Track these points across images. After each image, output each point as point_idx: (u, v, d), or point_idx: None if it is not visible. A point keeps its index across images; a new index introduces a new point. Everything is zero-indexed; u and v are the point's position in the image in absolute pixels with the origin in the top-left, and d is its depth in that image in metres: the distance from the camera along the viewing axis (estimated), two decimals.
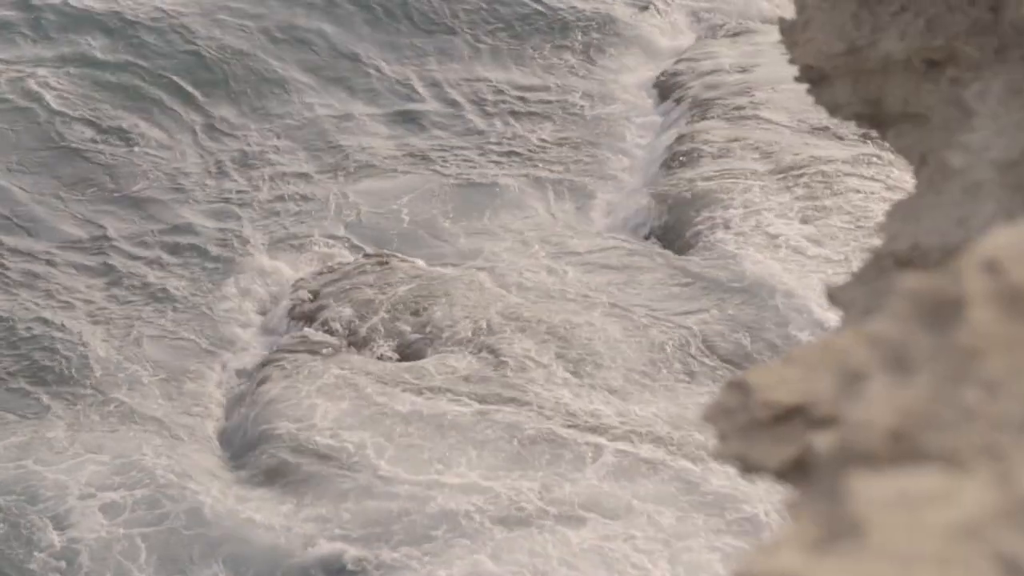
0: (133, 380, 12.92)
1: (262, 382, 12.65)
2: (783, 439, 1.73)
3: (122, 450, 12.05)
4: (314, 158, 16.66)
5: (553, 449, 11.79)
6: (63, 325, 13.46)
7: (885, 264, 2.75)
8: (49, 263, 14.38)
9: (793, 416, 1.71)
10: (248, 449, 11.99)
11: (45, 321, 13.51)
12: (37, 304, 13.74)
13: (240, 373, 13.12)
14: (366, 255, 14.75)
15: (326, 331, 13.41)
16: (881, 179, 15.65)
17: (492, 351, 13.00)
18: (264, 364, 13.01)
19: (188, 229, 15.21)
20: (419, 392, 12.40)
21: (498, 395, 12.40)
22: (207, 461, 12.01)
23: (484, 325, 13.43)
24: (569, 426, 12.02)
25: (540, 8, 19.34)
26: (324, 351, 13.00)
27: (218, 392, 12.94)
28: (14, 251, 14.50)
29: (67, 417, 12.44)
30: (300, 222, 15.45)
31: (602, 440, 11.88)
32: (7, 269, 14.20)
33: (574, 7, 19.45)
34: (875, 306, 2.89)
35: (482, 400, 12.32)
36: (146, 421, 12.45)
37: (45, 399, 12.63)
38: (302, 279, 14.31)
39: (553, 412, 12.18)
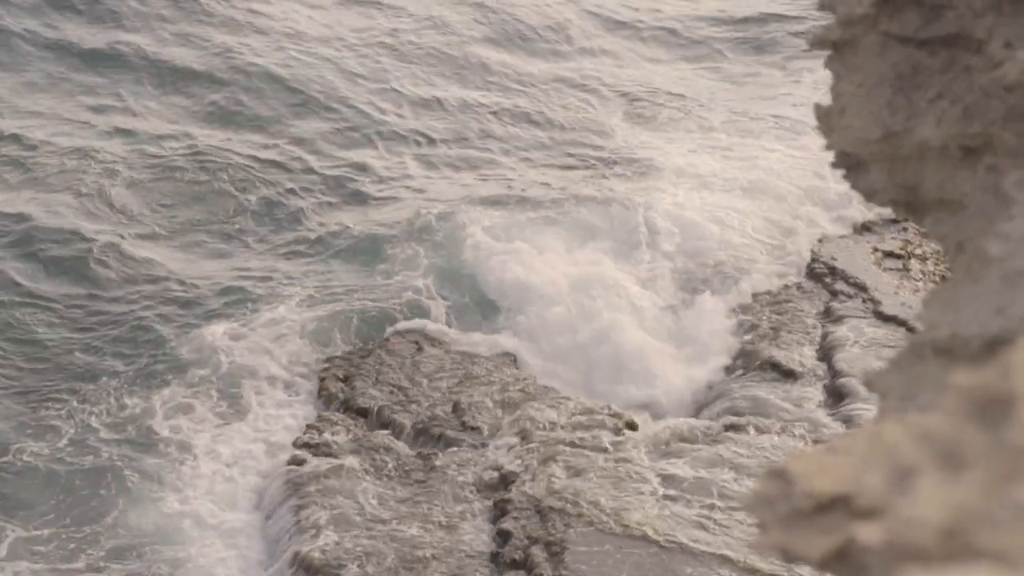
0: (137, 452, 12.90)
1: (301, 507, 12.07)
2: (825, 529, 1.71)
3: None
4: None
5: None
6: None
7: (923, 352, 2.74)
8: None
9: (835, 506, 1.70)
10: None
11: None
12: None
13: (269, 452, 12.97)
14: (397, 333, 14.75)
15: (357, 413, 13.36)
16: None
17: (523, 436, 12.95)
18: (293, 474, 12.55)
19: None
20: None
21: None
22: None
23: (515, 410, 13.40)
24: None
25: None
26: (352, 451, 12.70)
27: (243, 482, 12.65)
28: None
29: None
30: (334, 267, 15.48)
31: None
32: None
33: None
34: (913, 394, 2.87)
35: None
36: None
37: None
38: (332, 358, 14.28)
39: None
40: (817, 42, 3.47)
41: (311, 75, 20.48)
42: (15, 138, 18.04)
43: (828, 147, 3.44)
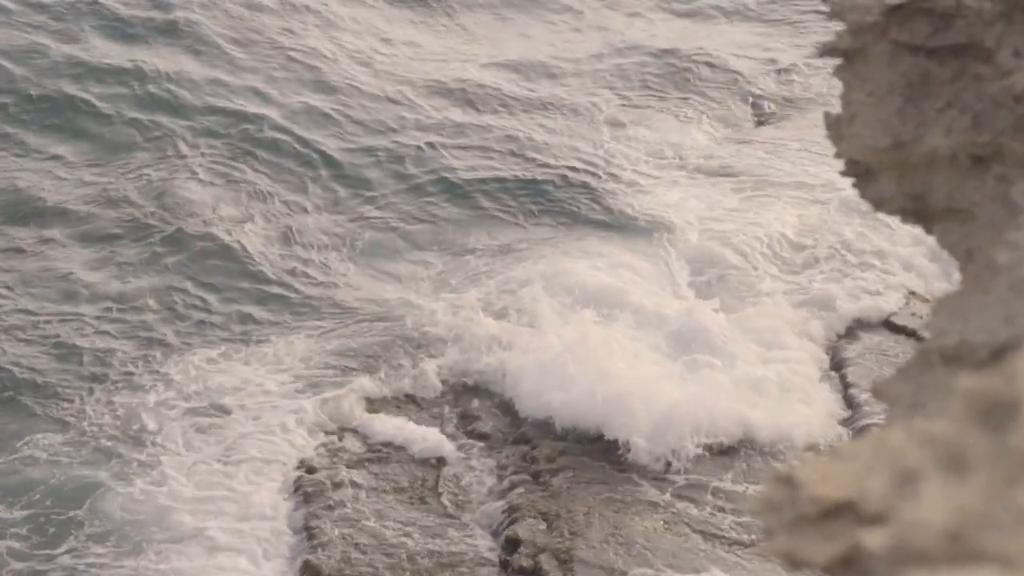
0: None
1: (311, 517, 12.07)
2: (831, 535, 1.72)
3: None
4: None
5: None
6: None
7: (932, 360, 2.75)
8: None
9: (841, 512, 1.70)
10: None
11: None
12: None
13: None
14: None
15: (365, 423, 13.35)
16: None
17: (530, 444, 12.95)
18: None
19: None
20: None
21: None
22: None
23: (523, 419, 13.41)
24: None
25: None
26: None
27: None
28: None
29: None
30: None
31: None
32: None
33: None
34: (921, 401, 2.88)
35: None
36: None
37: None
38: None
39: None
40: (827, 51, 3.48)
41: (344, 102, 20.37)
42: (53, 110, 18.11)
43: (837, 155, 3.44)
